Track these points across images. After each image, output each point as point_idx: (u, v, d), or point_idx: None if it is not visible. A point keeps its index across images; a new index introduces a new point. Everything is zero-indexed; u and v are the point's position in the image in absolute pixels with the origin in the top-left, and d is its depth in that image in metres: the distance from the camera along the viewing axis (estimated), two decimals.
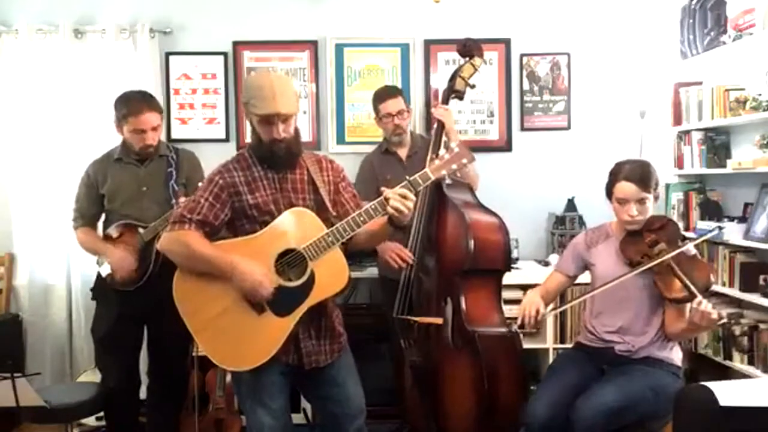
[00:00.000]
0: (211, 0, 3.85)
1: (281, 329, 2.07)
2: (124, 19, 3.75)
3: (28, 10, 3.75)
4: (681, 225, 3.45)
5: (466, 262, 2.72)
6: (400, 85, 3.71)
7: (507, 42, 3.89)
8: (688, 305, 2.27)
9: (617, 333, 2.50)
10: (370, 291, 3.76)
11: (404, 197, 2.00)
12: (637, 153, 3.70)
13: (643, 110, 3.78)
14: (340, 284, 2.12)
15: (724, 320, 2.23)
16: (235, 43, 3.86)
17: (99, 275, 2.88)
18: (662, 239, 2.44)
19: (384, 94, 3.27)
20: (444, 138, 3.04)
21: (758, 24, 3.06)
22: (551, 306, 2.68)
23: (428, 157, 2.95)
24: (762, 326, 3.06)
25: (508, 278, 2.93)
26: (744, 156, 3.31)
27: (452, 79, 3.11)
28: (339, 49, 3.88)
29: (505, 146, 3.93)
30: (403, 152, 3.29)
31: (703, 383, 2.03)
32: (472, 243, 2.71)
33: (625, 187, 2.42)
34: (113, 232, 2.82)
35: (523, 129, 3.95)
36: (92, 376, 3.28)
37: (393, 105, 3.23)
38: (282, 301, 2.07)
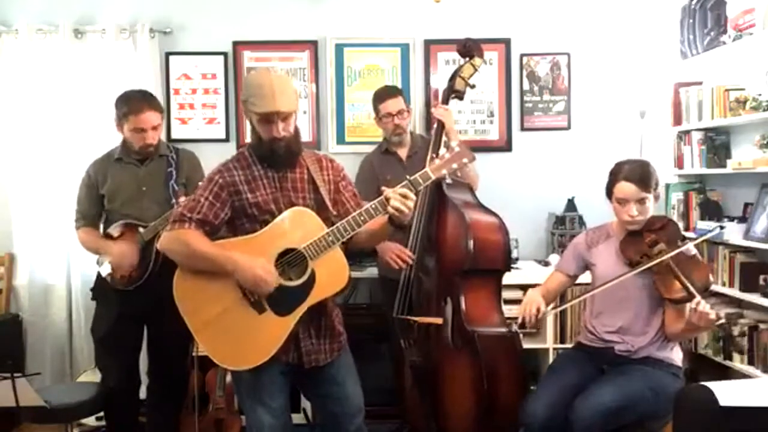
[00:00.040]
0: (211, 0, 3.85)
1: (281, 328, 2.07)
2: (124, 19, 3.75)
3: (28, 10, 3.74)
4: (681, 225, 3.45)
5: (466, 262, 2.72)
6: (400, 85, 3.71)
7: (507, 42, 3.89)
8: (687, 306, 2.27)
9: (617, 333, 2.50)
10: (370, 291, 3.76)
11: (405, 197, 2.00)
12: (637, 153, 3.70)
13: (643, 110, 3.78)
14: (341, 284, 2.12)
15: (722, 320, 2.22)
16: (235, 43, 3.85)
17: (99, 275, 2.87)
18: (662, 239, 2.44)
19: (384, 94, 3.28)
20: (444, 138, 3.04)
21: (758, 24, 3.07)
22: (551, 305, 2.68)
23: (428, 157, 2.94)
24: (762, 326, 3.06)
25: (508, 278, 2.94)
26: (744, 156, 3.31)
27: (452, 79, 3.11)
28: (339, 49, 3.88)
29: (505, 146, 3.93)
30: (403, 152, 3.29)
31: (703, 383, 2.03)
32: (472, 243, 2.71)
33: (625, 187, 2.42)
34: (114, 231, 2.82)
35: (523, 129, 3.95)
36: (92, 376, 3.28)
37: (393, 105, 3.23)
38: (282, 301, 2.07)
